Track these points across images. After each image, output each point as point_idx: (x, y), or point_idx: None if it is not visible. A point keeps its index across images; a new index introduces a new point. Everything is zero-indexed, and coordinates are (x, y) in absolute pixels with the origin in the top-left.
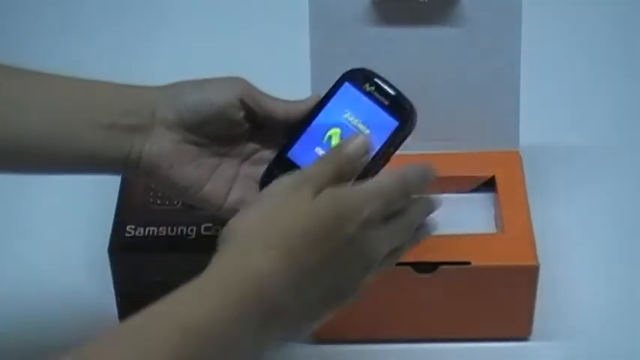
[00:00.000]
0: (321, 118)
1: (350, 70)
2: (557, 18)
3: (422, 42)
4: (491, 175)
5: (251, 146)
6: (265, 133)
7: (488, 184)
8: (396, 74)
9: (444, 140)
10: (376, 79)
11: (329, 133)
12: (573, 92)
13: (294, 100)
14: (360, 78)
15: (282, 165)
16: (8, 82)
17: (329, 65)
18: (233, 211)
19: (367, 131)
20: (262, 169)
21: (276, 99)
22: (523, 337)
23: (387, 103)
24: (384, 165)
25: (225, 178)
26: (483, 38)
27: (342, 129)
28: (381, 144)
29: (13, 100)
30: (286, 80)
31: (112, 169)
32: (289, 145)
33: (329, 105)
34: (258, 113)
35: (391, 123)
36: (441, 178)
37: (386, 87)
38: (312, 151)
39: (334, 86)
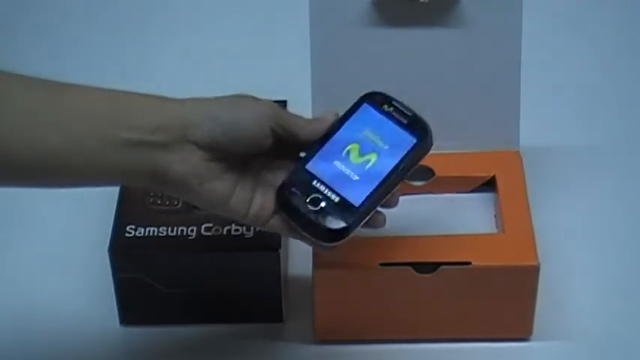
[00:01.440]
0: (341, 134)
1: (369, 93)
2: (557, 18)
3: (422, 43)
4: (492, 175)
5: (269, 156)
6: (286, 148)
7: (488, 184)
8: (396, 75)
9: (444, 140)
10: (394, 102)
11: (348, 148)
12: (574, 92)
13: (316, 119)
14: (379, 100)
15: (300, 177)
16: (24, 93)
17: (329, 66)
18: (257, 219)
19: (386, 147)
20: (280, 175)
21: (301, 120)
22: (523, 337)
23: (405, 122)
24: (403, 179)
25: (248, 188)
26: (484, 39)
27: (360, 144)
28: (400, 158)
29: (30, 113)
30: (286, 80)
31: (136, 184)
32: (308, 157)
33: (348, 122)
34: (284, 137)
35: (409, 140)
36: (441, 178)
37: (403, 109)
38: (332, 164)
39: (353, 106)
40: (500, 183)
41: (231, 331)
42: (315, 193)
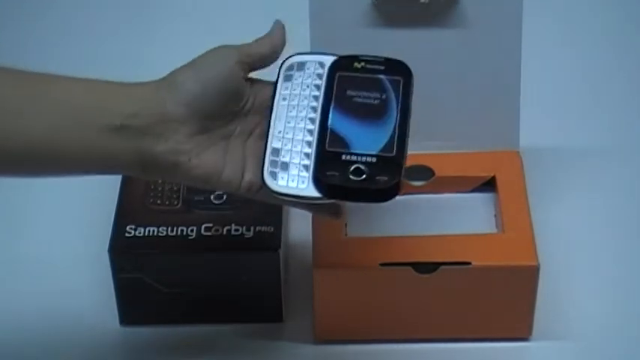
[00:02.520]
0: (335, 107)
1: (333, 62)
2: (557, 19)
3: (422, 43)
4: (492, 175)
5: (251, 120)
6: (260, 97)
7: (488, 184)
8: None
9: (444, 140)
10: (360, 57)
11: (350, 115)
12: (574, 93)
13: (267, 34)
14: (346, 63)
15: (327, 158)
16: (9, 84)
17: None
18: (250, 189)
19: (381, 96)
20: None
21: (256, 40)
22: (523, 337)
23: (382, 68)
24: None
25: (237, 158)
26: (484, 39)
27: (357, 106)
28: (399, 99)
29: (16, 104)
30: None
31: (128, 172)
32: (322, 140)
33: (334, 96)
34: (253, 64)
35: (396, 81)
36: (441, 178)
37: (372, 58)
38: (346, 134)
39: (328, 80)
40: (500, 183)
41: (231, 331)
42: (351, 165)
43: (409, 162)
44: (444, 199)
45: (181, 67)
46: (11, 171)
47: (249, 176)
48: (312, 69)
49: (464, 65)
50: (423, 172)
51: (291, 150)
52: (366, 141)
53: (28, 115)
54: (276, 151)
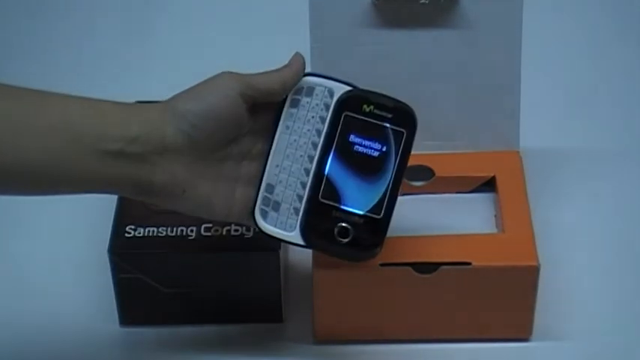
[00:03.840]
0: (336, 153)
1: (343, 99)
2: (558, 18)
3: (422, 43)
4: (492, 175)
5: (248, 141)
6: (261, 118)
7: (488, 184)
8: (396, 75)
9: (444, 140)
10: (371, 97)
11: (348, 163)
12: (574, 93)
13: (283, 66)
14: (355, 103)
15: (318, 210)
16: (7, 102)
17: (329, 67)
18: (241, 215)
19: (381, 147)
20: (260, 161)
21: (266, 74)
22: (524, 337)
23: (389, 116)
24: (404, 170)
25: (229, 191)
26: (483, 39)
27: (356, 155)
28: (398, 154)
29: (9, 123)
30: None
31: (123, 194)
32: (317, 189)
33: (336, 138)
34: (258, 98)
35: (400, 133)
36: (441, 178)
37: (383, 101)
38: (340, 186)
39: (333, 118)
40: (500, 183)
41: (231, 331)
42: (339, 223)
43: (409, 162)
44: (444, 199)
45: (183, 95)
46: (7, 189)
47: (237, 208)
48: (320, 97)
49: (464, 65)
50: (423, 172)
51: (285, 190)
52: (358, 197)
53: (23, 135)
54: (270, 188)
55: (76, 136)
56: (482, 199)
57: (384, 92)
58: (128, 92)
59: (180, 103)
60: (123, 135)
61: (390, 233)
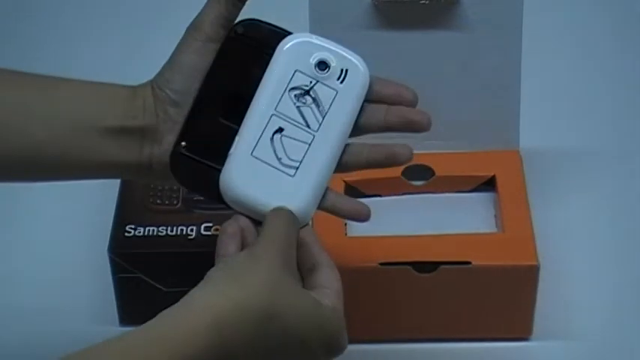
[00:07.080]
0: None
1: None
2: (558, 19)
3: (422, 43)
4: (492, 175)
5: None
6: None
7: (488, 184)
8: (396, 76)
9: (444, 140)
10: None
11: None
12: (574, 92)
13: None
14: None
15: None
16: (10, 88)
17: None
18: None
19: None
20: None
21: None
22: (523, 337)
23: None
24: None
25: None
26: (484, 39)
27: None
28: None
29: (16, 107)
30: None
31: (124, 174)
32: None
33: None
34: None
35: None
36: (441, 178)
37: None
38: None
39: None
40: (500, 183)
41: None
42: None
43: (409, 162)
44: (444, 198)
45: (165, 64)
46: (15, 177)
47: None
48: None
49: (464, 65)
50: (423, 172)
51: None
52: None
53: (31, 119)
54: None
55: (80, 117)
56: (482, 198)
57: None
58: None
59: (161, 77)
60: (123, 112)
61: (390, 233)
